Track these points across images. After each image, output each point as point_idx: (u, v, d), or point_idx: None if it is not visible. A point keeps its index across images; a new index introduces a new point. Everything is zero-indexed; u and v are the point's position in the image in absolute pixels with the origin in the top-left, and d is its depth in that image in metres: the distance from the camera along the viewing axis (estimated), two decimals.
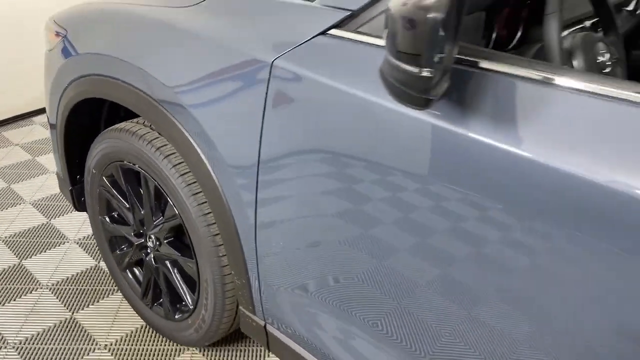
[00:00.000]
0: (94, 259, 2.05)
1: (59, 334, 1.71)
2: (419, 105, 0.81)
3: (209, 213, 1.30)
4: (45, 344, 1.67)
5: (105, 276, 1.95)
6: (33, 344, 1.67)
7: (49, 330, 1.72)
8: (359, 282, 1.05)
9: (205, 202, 1.30)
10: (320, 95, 0.99)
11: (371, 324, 1.07)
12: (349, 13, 1.00)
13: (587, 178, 0.71)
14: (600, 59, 1.10)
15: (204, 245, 1.34)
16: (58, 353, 1.64)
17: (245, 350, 1.67)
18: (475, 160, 0.81)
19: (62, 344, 1.67)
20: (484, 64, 0.84)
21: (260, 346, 1.68)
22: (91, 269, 2.00)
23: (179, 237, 1.51)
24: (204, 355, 1.65)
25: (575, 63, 1.07)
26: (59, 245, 2.12)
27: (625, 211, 0.69)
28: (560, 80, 0.78)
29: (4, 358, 1.61)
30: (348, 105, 0.95)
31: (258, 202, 1.15)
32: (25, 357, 1.62)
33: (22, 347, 1.65)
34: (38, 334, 1.70)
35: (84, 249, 2.10)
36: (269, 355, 1.66)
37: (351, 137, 0.97)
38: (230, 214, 1.22)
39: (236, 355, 1.65)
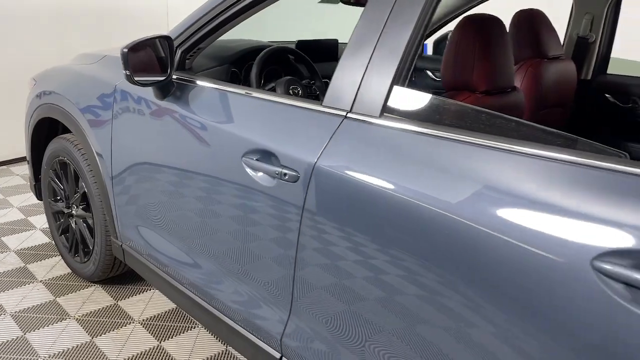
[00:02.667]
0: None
1: None
2: (159, 98, 1.72)
3: (96, 182, 2.19)
4: None
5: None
6: None
7: None
8: (174, 217, 1.82)
9: (95, 176, 2.19)
10: (136, 109, 1.89)
11: (184, 243, 1.82)
12: None
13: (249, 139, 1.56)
14: (294, 91, 1.98)
15: (95, 203, 2.22)
16: None
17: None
18: (189, 129, 1.68)
19: None
20: (199, 82, 1.73)
21: (150, 287, 2.49)
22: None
23: (87, 205, 2.39)
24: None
25: (277, 91, 1.96)
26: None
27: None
28: (241, 92, 1.63)
29: None
30: (155, 111, 1.83)
31: (113, 181, 2.03)
32: None
33: None
34: None
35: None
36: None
37: (154, 135, 1.85)
38: (105, 186, 2.10)
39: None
